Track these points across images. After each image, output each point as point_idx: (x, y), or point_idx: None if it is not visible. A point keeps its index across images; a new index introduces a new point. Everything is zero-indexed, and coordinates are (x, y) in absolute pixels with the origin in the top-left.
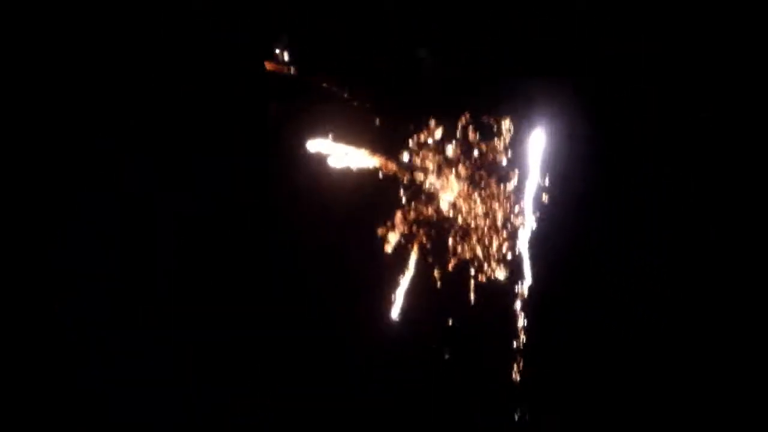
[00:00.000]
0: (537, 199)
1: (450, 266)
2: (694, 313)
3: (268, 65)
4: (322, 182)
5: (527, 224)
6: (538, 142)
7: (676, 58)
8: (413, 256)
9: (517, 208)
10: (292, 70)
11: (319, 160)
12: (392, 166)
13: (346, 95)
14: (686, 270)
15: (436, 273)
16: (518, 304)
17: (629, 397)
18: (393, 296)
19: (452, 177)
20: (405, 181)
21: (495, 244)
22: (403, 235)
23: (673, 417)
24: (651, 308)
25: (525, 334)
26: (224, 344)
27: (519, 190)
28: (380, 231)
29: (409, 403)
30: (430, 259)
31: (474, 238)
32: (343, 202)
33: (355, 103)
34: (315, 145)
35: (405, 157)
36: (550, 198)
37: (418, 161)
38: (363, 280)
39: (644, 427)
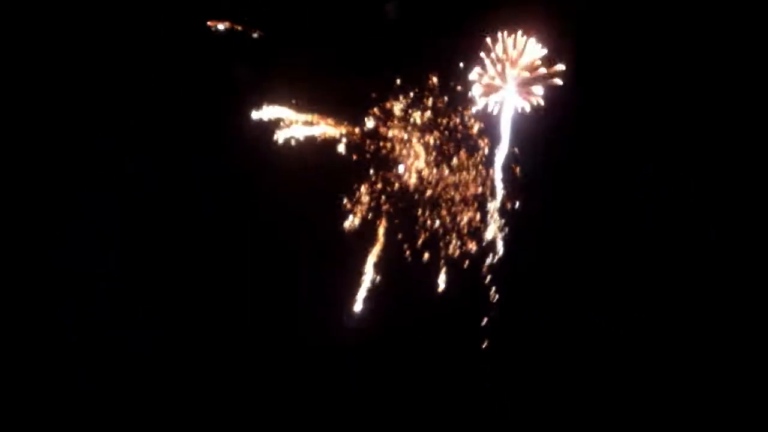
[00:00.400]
0: (507, 170)
1: (419, 240)
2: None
3: (216, 24)
4: (285, 155)
5: (498, 196)
6: (509, 111)
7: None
8: (381, 230)
9: (487, 179)
10: (255, 34)
11: (282, 130)
12: (357, 135)
13: (308, 61)
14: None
15: (404, 247)
16: (489, 279)
17: (600, 373)
18: (361, 273)
19: (420, 146)
20: (371, 150)
21: (465, 216)
22: (369, 207)
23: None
24: (623, 280)
25: (496, 310)
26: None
27: (489, 160)
28: (346, 203)
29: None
30: (399, 234)
31: (444, 211)
32: (307, 175)
33: (319, 69)
34: (275, 113)
35: (370, 124)
36: (521, 169)
37: (384, 129)
38: (329, 255)
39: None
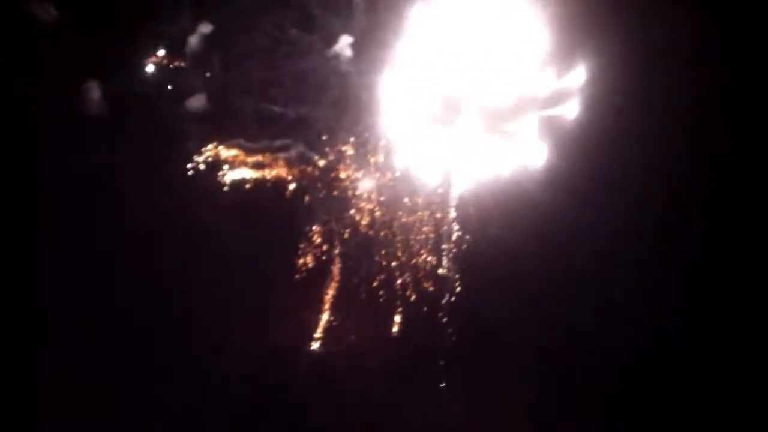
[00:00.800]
0: (462, 207)
1: (376, 281)
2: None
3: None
4: (233, 197)
5: (453, 236)
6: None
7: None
8: (335, 271)
9: (443, 220)
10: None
11: (231, 171)
12: (309, 175)
13: (258, 100)
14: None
15: (360, 289)
16: (446, 319)
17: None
18: (317, 315)
19: (374, 185)
20: (319, 186)
21: (423, 254)
22: (323, 250)
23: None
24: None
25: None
26: None
27: (444, 200)
28: (298, 246)
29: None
30: (354, 276)
31: (399, 251)
32: (258, 217)
33: (268, 108)
34: (222, 153)
35: (322, 163)
36: (476, 205)
37: (336, 169)
38: (282, 299)
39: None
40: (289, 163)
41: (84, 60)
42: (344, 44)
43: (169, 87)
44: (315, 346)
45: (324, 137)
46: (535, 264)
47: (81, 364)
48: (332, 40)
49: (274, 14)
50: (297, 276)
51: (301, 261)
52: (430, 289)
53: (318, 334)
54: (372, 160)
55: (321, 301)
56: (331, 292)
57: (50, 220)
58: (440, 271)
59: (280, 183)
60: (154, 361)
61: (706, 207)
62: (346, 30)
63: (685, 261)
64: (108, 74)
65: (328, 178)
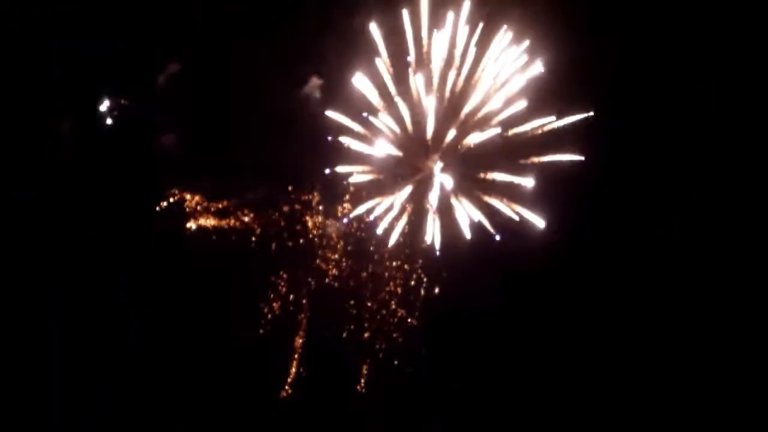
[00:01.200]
0: (430, 259)
1: (345, 333)
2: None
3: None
4: (199, 246)
5: (423, 285)
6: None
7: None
8: (303, 321)
9: (412, 274)
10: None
11: (196, 220)
12: (269, 217)
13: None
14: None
15: (328, 339)
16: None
17: None
18: (286, 365)
19: (340, 228)
20: (285, 235)
21: (391, 306)
22: (289, 300)
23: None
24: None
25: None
26: None
27: (414, 249)
28: (264, 302)
29: None
30: (322, 327)
31: (368, 302)
32: (221, 264)
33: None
34: (188, 203)
35: (286, 209)
36: (445, 258)
37: (303, 220)
38: (249, 353)
39: None
40: (255, 210)
41: (50, 98)
42: (314, 86)
43: (134, 129)
44: (283, 396)
45: (290, 186)
46: (502, 317)
47: None
48: (302, 82)
49: (245, 56)
50: (264, 325)
51: (267, 311)
52: (399, 340)
53: (286, 386)
54: (339, 207)
55: (289, 352)
56: (299, 341)
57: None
58: (409, 320)
59: (244, 231)
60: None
61: None
62: (316, 72)
63: None
64: (74, 115)
65: (294, 225)
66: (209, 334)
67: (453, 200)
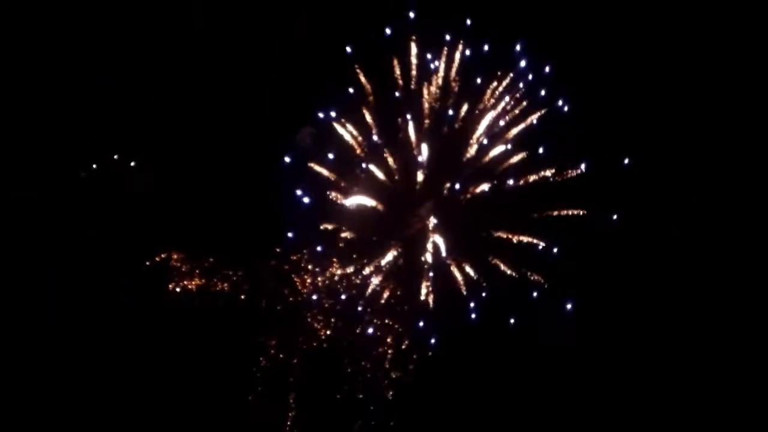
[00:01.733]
0: (423, 320)
1: (338, 395)
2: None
3: None
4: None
5: (415, 345)
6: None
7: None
8: (295, 383)
9: (403, 326)
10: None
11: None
12: (257, 277)
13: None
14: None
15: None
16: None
17: None
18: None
19: (331, 288)
20: (274, 295)
21: (386, 366)
22: (281, 362)
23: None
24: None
25: None
26: None
27: (406, 303)
28: (255, 358)
29: None
30: (316, 389)
31: (362, 362)
32: (208, 325)
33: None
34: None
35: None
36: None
37: (291, 281)
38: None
39: None
40: (242, 270)
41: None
42: (304, 135)
43: (117, 187)
44: None
45: (277, 249)
46: (500, 379)
47: None
48: (293, 130)
49: (228, 108)
50: (255, 390)
51: (259, 374)
52: (394, 400)
53: None
54: (329, 269)
55: (281, 418)
56: (292, 405)
57: None
58: (403, 380)
59: (231, 291)
60: None
61: None
62: (307, 121)
63: None
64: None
65: (284, 286)
66: (197, 401)
67: (448, 261)
